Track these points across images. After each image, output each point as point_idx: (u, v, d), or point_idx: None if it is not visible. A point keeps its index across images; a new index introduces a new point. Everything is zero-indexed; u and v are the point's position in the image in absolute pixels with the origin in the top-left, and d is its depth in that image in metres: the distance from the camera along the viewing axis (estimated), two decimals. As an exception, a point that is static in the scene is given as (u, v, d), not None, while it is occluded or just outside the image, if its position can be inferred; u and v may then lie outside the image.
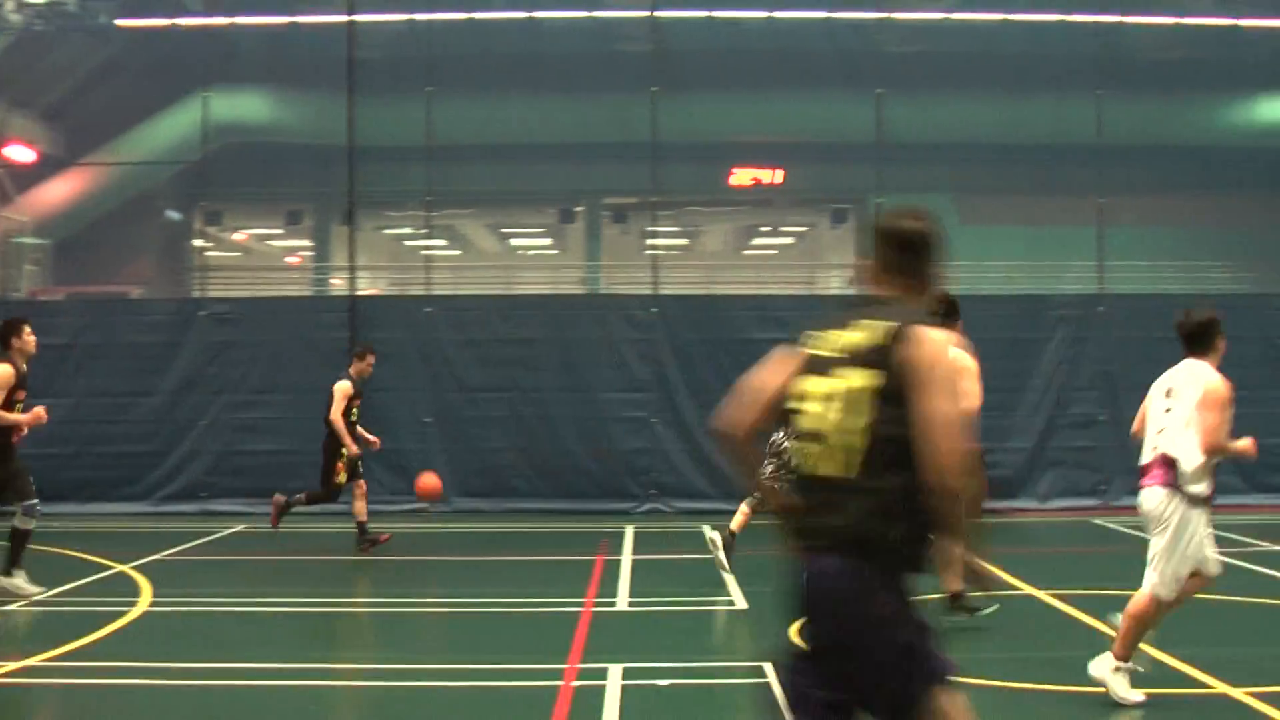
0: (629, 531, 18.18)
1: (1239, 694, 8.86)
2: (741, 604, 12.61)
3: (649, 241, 24.17)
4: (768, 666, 9.61)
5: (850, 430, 5.04)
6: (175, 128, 27.17)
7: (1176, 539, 8.82)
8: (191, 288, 25.90)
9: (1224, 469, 20.49)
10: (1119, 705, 8.78)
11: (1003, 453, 20.73)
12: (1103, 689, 8.86)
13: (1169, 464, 8.99)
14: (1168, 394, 9.42)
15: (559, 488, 20.43)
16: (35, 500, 13.00)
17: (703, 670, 9.87)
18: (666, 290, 21.87)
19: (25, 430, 12.90)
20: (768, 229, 37.71)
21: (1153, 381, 9.53)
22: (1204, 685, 9.18)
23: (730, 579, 13.76)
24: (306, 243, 34.32)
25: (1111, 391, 20.97)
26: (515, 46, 27.94)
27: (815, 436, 5.15)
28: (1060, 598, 12.52)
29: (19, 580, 13.04)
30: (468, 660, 10.55)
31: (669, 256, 28.29)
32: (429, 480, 16.78)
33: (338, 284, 26.96)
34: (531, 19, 27.52)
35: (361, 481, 16.20)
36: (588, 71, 27.52)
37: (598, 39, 28.45)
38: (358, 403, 16.20)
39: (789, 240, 37.96)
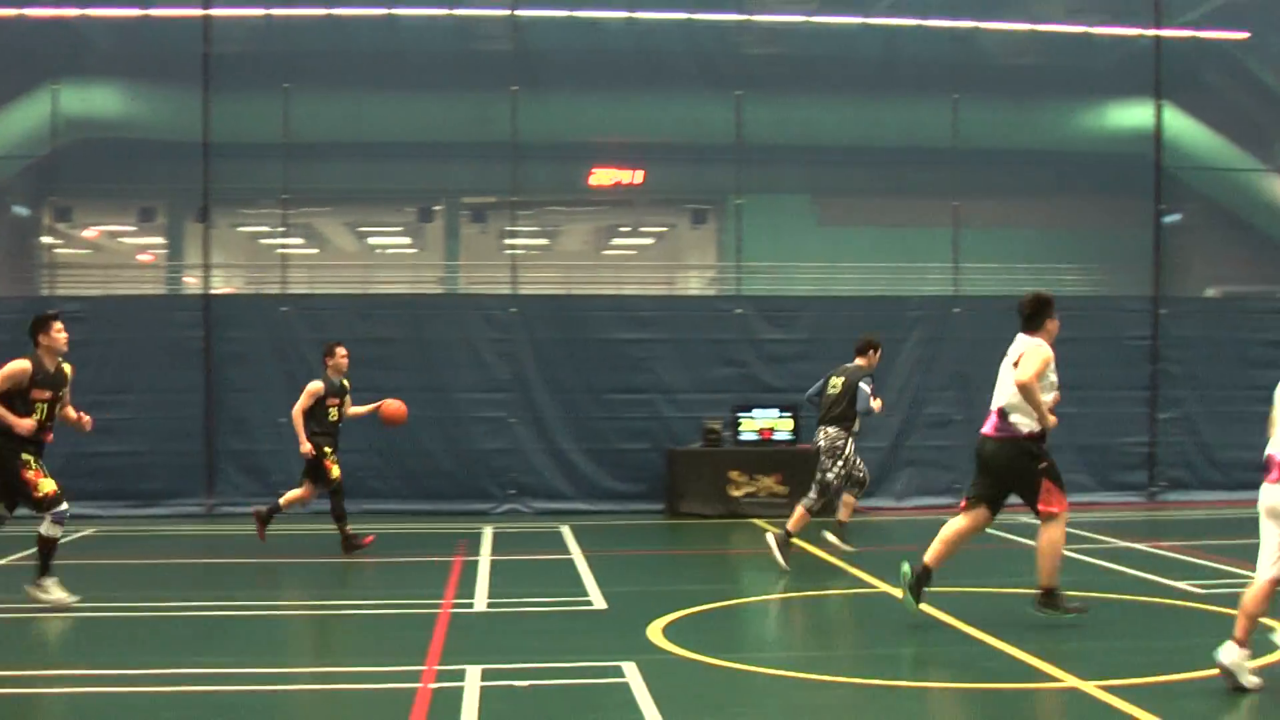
0: (487, 532, 18.09)
1: (1089, 687, 8.99)
2: (600, 604, 12.59)
3: (508, 241, 24.10)
4: (627, 666, 9.60)
5: None
6: (23, 121, 26.50)
7: None
8: (40, 286, 25.31)
9: (1076, 467, 20.92)
10: (975, 699, 8.88)
11: (860, 452, 20.93)
12: (955, 684, 8.96)
13: None
14: None
15: (417, 489, 20.27)
16: (63, 507, 12.44)
17: (561, 670, 9.81)
18: (526, 290, 21.82)
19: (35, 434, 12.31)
20: (627, 229, 37.67)
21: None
22: (1055, 679, 9.31)
23: (589, 578, 13.74)
24: (160, 240, 33.65)
25: (966, 392, 21.25)
26: (374, 44, 27.62)
27: None
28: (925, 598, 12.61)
29: (51, 587, 12.48)
30: (324, 663, 10.43)
31: (528, 256, 28.20)
32: (393, 407, 16.47)
33: (192, 282, 26.45)
34: (391, 16, 27.20)
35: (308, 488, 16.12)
36: (447, 70, 27.28)
37: (458, 37, 28.25)
38: (336, 402, 16.00)
39: (649, 240, 37.94)
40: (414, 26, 28.10)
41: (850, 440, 15.63)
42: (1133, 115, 28.95)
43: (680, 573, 15.52)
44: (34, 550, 12.58)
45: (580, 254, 35.77)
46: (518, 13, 23.27)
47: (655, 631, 11.00)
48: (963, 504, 11.85)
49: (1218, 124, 36.77)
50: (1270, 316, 23.03)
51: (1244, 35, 33.42)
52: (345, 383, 16.24)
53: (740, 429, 20.16)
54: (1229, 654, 9.02)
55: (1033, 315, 11.94)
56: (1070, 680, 9.22)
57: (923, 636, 11.10)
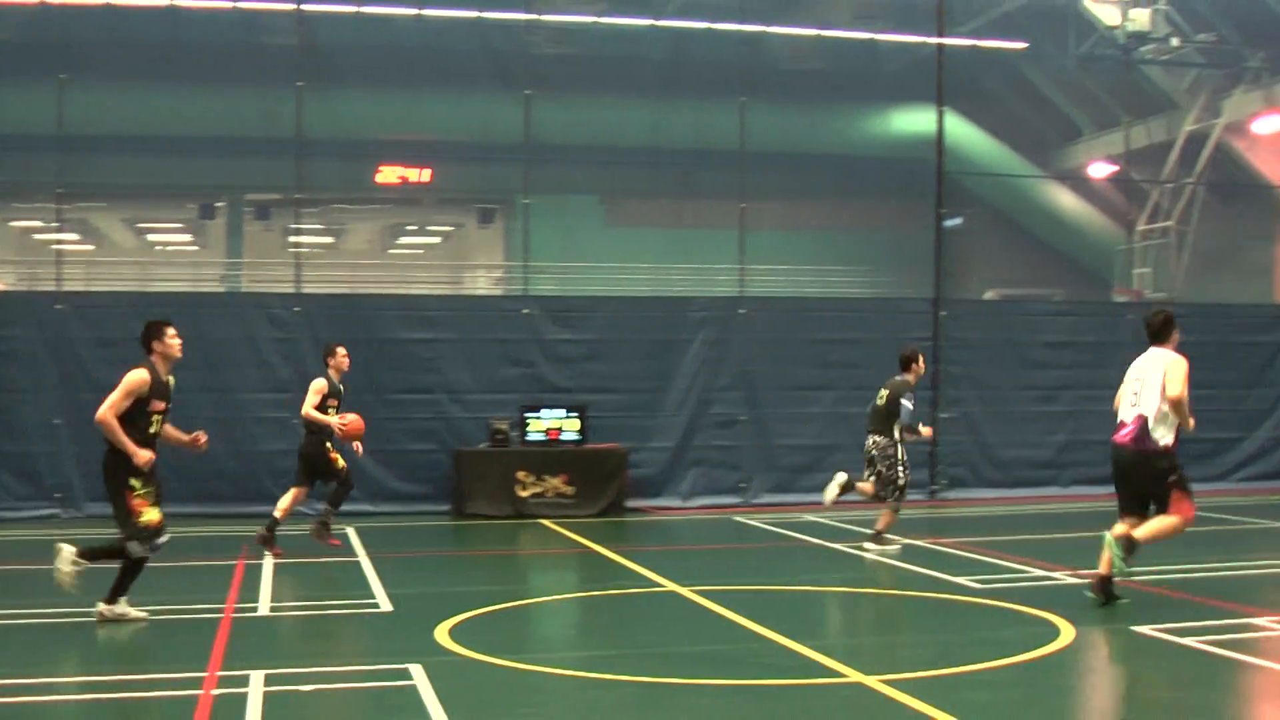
0: (271, 534, 17.71)
1: (872, 681, 9.09)
2: (386, 606, 12.40)
3: (292, 239, 23.66)
4: (414, 668, 9.46)
5: None
6: None
7: None
8: None
9: (854, 466, 21.25)
10: (759, 695, 8.92)
11: (647, 452, 21.01)
12: (740, 680, 8.99)
13: None
14: None
15: (198, 491, 19.72)
16: (164, 538, 11.69)
17: (347, 674, 9.63)
18: (310, 289, 21.44)
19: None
20: (414, 228, 37.40)
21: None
22: (839, 674, 9.39)
23: (375, 581, 13.54)
24: (-72, 234, 32.53)
25: (752, 392, 21.48)
26: (155, 35, 26.99)
27: None
28: (702, 594, 12.68)
29: (123, 605, 11.81)
30: (103, 671, 10.09)
31: (313, 254, 27.76)
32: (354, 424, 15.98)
33: (-40, 278, 25.62)
34: (173, 7, 26.60)
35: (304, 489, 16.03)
36: (231, 63, 26.76)
37: (242, 30, 27.72)
38: (335, 403, 15.85)
39: (436, 239, 37.72)
40: (197, 18, 27.50)
41: (899, 446, 16.17)
42: (916, 121, 29.56)
43: (467, 574, 15.38)
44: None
45: (366, 252, 35.41)
46: (304, 7, 22.84)
47: (442, 633, 10.86)
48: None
49: (998, 131, 37.74)
50: (1047, 318, 23.63)
51: (1023, 45, 34.30)
52: (342, 386, 16.11)
53: (528, 429, 20.06)
54: None
55: (1161, 329, 12.61)
56: (854, 675, 9.31)
57: (708, 634, 11.12)
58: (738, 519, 19.61)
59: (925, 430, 16.65)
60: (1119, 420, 12.42)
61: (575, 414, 20.16)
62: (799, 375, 21.75)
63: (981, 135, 36.85)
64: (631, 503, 20.31)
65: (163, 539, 11.58)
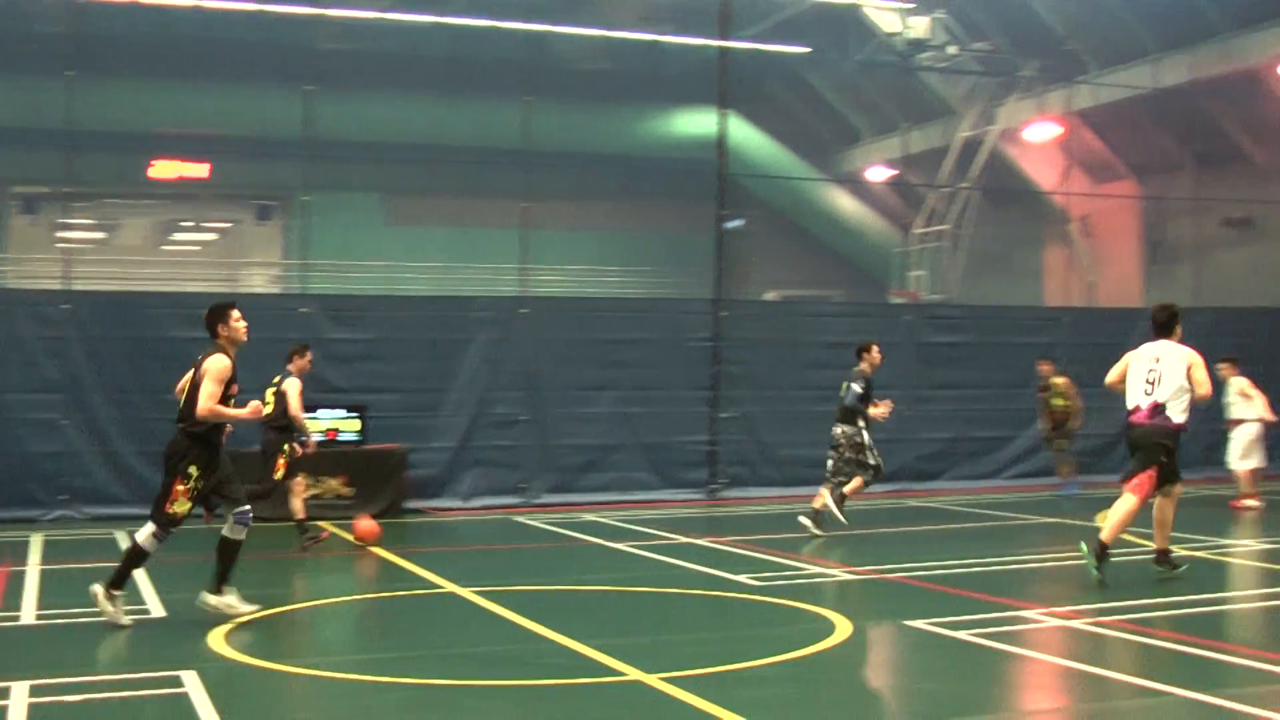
0: (36, 540, 17.13)
1: (652, 680, 9.08)
2: (159, 611, 12.06)
3: (61, 234, 22.95)
4: (187, 675, 9.19)
5: None
6: None
7: None
8: None
9: (640, 465, 21.25)
10: (539, 696, 8.85)
11: (427, 452, 20.79)
12: (520, 680, 8.93)
13: None
14: None
15: (-42, 494, 19.02)
16: (248, 507, 11.52)
17: (116, 683, 9.32)
18: (80, 286, 20.77)
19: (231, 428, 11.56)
20: (190, 224, 36.63)
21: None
22: (619, 673, 9.36)
23: (148, 586, 13.17)
24: None
25: (533, 392, 21.40)
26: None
27: None
28: (482, 594, 12.57)
29: (231, 599, 11.52)
30: None
31: (83, 250, 26.98)
32: (367, 527, 16.45)
33: None
34: (-64, -7, 25.71)
35: (301, 479, 16.30)
36: (-2, 53, 25.99)
37: (10, 18, 26.86)
38: None
39: (212, 236, 37.00)
40: (-41, 5, 26.61)
41: (864, 432, 17.41)
42: (698, 123, 29.79)
43: (243, 578, 14.99)
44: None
45: (139, 249, 34.49)
46: (75, -5, 22.18)
47: (218, 638, 10.59)
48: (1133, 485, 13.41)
49: (779, 134, 38.21)
50: (825, 319, 23.96)
51: (805, 50, 34.77)
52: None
53: (306, 430, 19.68)
54: None
55: (1169, 322, 13.69)
56: (633, 674, 9.29)
57: (488, 635, 11.02)
58: (518, 519, 19.51)
59: (876, 411, 17.62)
60: (1133, 405, 13.41)
61: (354, 414, 19.85)
62: (580, 375, 21.73)
63: (763, 138, 37.27)
64: (411, 503, 20.08)
65: (247, 508, 11.58)
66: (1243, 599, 12.91)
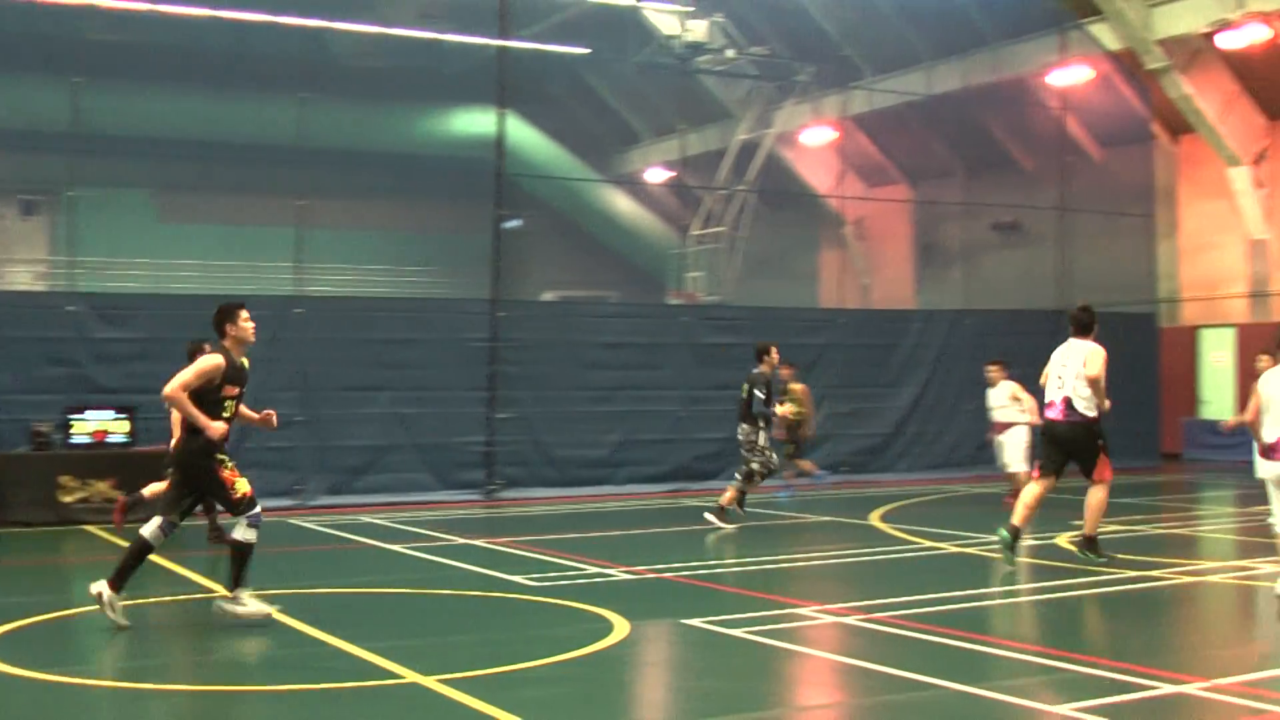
0: None
1: (430, 682, 8.98)
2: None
3: None
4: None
5: None
6: None
7: None
8: None
9: (417, 465, 21.08)
10: (315, 700, 8.70)
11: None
12: (296, 685, 8.78)
13: None
14: None
15: None
16: (258, 509, 11.29)
17: None
18: None
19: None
20: (-53, 219, 35.37)
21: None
22: (396, 675, 9.24)
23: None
24: None
25: (308, 392, 21.06)
26: None
27: None
28: (256, 598, 12.29)
29: (247, 599, 11.20)
30: None
31: None
32: None
33: None
34: None
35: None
36: None
37: None
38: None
39: (-26, 232, 35.76)
40: None
41: (761, 433, 18.04)
42: (477, 122, 29.67)
43: (4, 586, 14.53)
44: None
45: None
46: None
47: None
48: (1035, 474, 15.06)
49: (558, 134, 38.24)
50: (603, 320, 24.07)
51: (585, 50, 34.84)
52: None
53: (72, 431, 19.10)
54: None
55: (1090, 322, 14.60)
56: (411, 676, 9.18)
57: (263, 640, 10.80)
58: (293, 521, 19.17)
59: (781, 410, 18.96)
60: (1048, 400, 14.55)
61: (124, 415, 19.31)
62: (356, 376, 21.47)
63: (542, 138, 37.29)
64: (183, 506, 19.58)
65: (257, 510, 11.37)
66: (1010, 594, 13.24)
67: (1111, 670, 9.25)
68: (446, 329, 22.25)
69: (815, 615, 11.63)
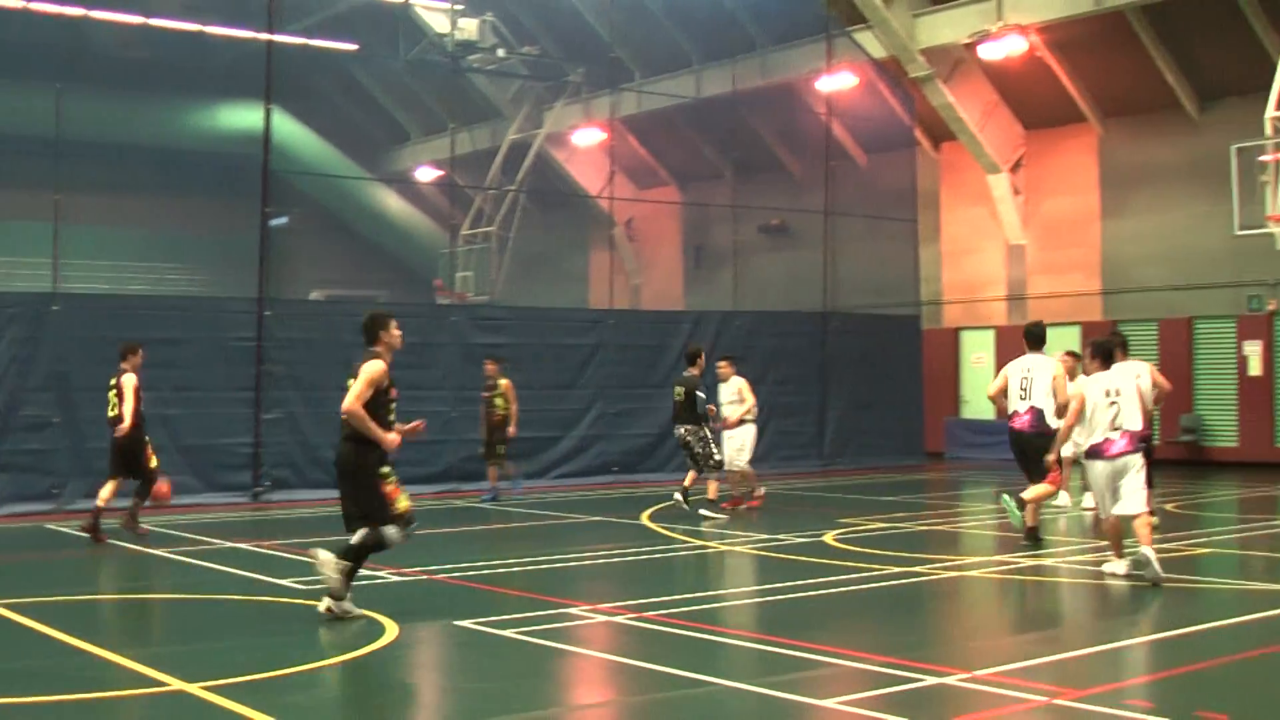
0: None
1: (195, 689, 8.77)
2: None
3: None
4: None
5: None
6: None
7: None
8: None
9: (181, 468, 20.66)
10: (77, 711, 8.44)
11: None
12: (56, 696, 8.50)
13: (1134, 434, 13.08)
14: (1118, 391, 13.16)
15: None
16: (415, 524, 11.55)
17: None
18: None
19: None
20: None
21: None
22: (160, 684, 9.01)
23: None
24: None
25: (66, 393, 20.44)
26: None
27: None
28: (12, 607, 11.88)
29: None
30: None
31: None
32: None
33: None
34: None
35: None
36: None
37: None
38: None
39: None
40: None
41: (703, 429, 19.17)
42: (244, 117, 29.10)
43: None
44: None
45: None
46: None
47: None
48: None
49: (327, 131, 37.77)
50: (371, 319, 23.69)
51: (354, 47, 34.47)
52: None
53: None
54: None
55: (1043, 336, 15.76)
56: (175, 684, 8.96)
57: (20, 650, 10.42)
58: (50, 526, 18.59)
59: (711, 409, 19.55)
60: (1012, 410, 15.52)
61: None
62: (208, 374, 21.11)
63: (310, 135, 36.81)
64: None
65: (414, 525, 11.56)
66: (777, 591, 13.42)
67: (877, 664, 9.44)
68: (212, 328, 21.77)
69: (586, 615, 11.65)
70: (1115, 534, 13.39)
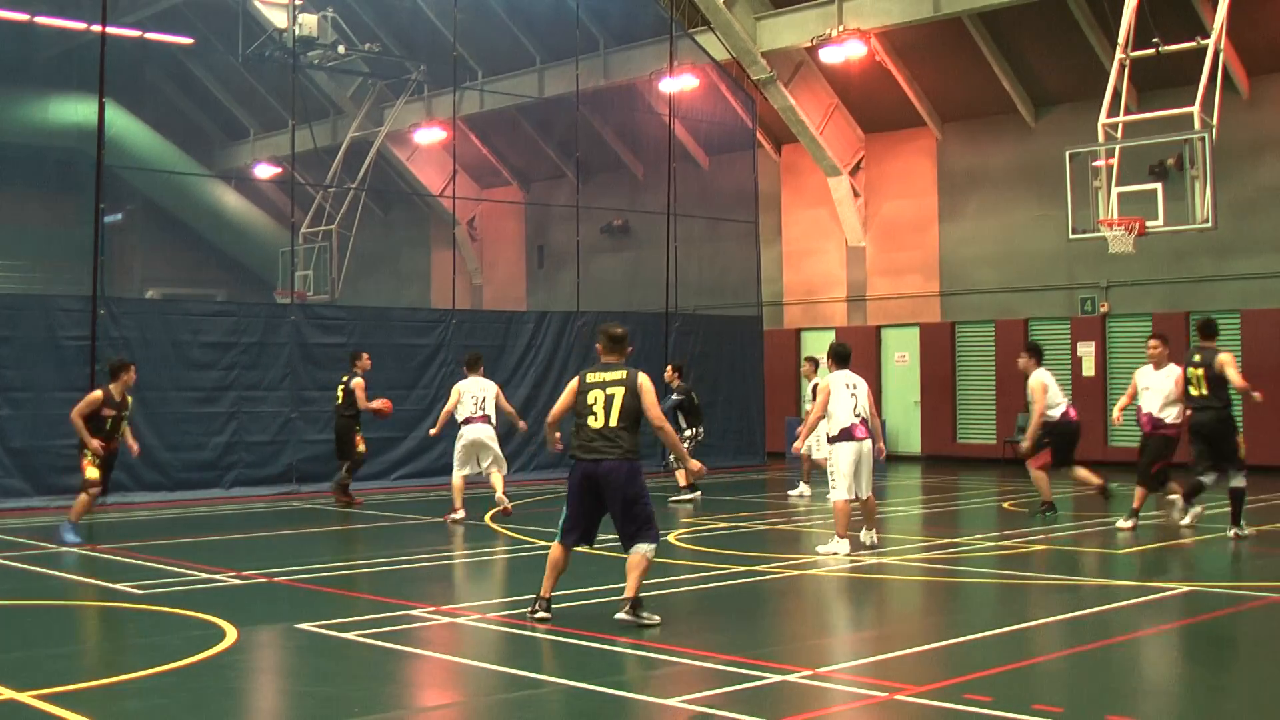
0: None
1: (26, 697, 8.52)
2: None
3: None
4: None
5: None
6: None
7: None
8: None
9: (11, 471, 20.15)
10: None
11: None
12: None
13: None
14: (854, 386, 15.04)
15: None
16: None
17: None
18: None
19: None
20: None
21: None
22: (-12, 693, 8.75)
23: None
24: None
25: None
26: None
27: None
28: None
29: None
30: None
31: None
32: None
33: None
34: None
35: None
36: None
37: None
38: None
39: None
40: None
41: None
42: (76, 110, 28.42)
43: None
44: None
45: None
46: None
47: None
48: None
49: (162, 126, 37.09)
50: (209, 318, 23.29)
51: (190, 41, 33.89)
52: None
53: None
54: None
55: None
56: (6, 693, 8.69)
57: None
58: None
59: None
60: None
61: None
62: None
63: (146, 130, 36.12)
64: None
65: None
66: (619, 591, 13.40)
67: (721, 662, 9.46)
68: (41, 327, 21.21)
69: (429, 616, 11.55)
70: (844, 517, 14.91)
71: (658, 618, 10.79)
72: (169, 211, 39.19)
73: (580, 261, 27.92)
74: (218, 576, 13.76)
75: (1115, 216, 21.40)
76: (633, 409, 10.91)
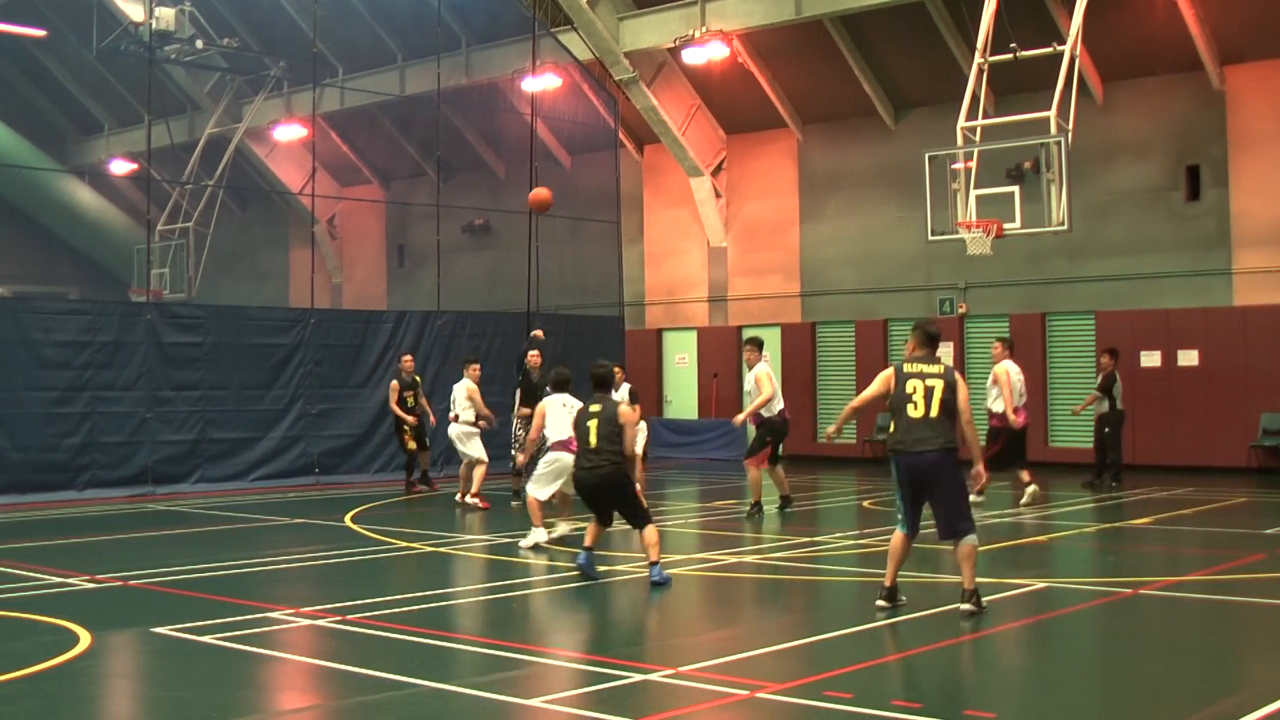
0: None
1: None
2: None
3: None
4: None
5: None
6: None
7: None
8: None
9: None
10: None
11: None
12: None
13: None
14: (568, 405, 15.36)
15: None
16: None
17: None
18: None
19: None
20: None
21: None
22: None
23: None
24: None
25: None
26: None
27: None
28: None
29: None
30: None
31: None
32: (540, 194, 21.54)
33: None
34: None
35: None
36: None
37: None
38: None
39: None
40: None
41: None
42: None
43: None
44: None
45: None
46: None
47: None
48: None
49: (12, 119, 36.30)
50: (61, 317, 22.81)
51: (41, 32, 33.21)
52: None
53: None
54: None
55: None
56: None
57: None
58: None
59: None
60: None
61: None
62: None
63: (-5, 124, 35.37)
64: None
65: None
66: (480, 592, 13.36)
67: (583, 662, 9.47)
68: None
69: (288, 619, 11.41)
70: (539, 511, 15.58)
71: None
72: (20, 207, 38.40)
73: (441, 261, 27.77)
74: (70, 580, 13.49)
75: (973, 219, 21.73)
76: (949, 404, 11.26)
